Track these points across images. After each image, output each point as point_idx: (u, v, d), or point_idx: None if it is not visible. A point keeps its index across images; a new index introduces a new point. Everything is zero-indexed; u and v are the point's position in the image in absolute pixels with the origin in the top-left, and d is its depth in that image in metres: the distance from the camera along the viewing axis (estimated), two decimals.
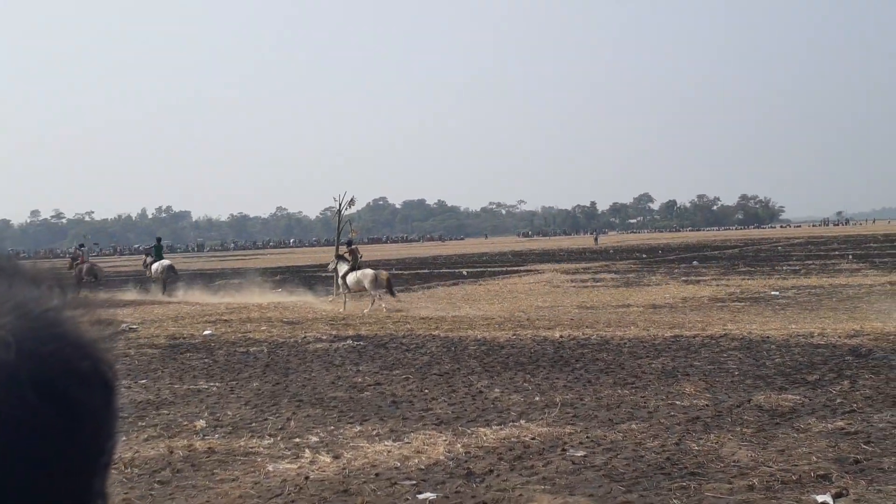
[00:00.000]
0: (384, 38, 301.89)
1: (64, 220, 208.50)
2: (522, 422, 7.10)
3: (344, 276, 19.63)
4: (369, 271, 19.14)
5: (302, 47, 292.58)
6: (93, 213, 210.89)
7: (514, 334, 12.80)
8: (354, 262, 19.81)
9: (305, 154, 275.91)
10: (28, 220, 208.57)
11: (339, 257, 20.59)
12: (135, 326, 15.40)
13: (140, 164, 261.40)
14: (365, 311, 17.80)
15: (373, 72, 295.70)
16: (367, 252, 74.29)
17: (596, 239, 79.26)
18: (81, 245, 31.39)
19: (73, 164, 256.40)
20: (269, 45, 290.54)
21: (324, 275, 33.37)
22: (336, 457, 6.07)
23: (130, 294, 25.29)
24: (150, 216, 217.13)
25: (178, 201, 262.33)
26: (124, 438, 6.84)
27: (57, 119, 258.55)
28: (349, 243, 20.71)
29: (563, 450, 6.21)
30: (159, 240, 29.43)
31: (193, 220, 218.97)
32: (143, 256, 28.41)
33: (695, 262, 34.16)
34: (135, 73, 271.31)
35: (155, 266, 26.72)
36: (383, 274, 19.24)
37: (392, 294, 19.04)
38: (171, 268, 26.43)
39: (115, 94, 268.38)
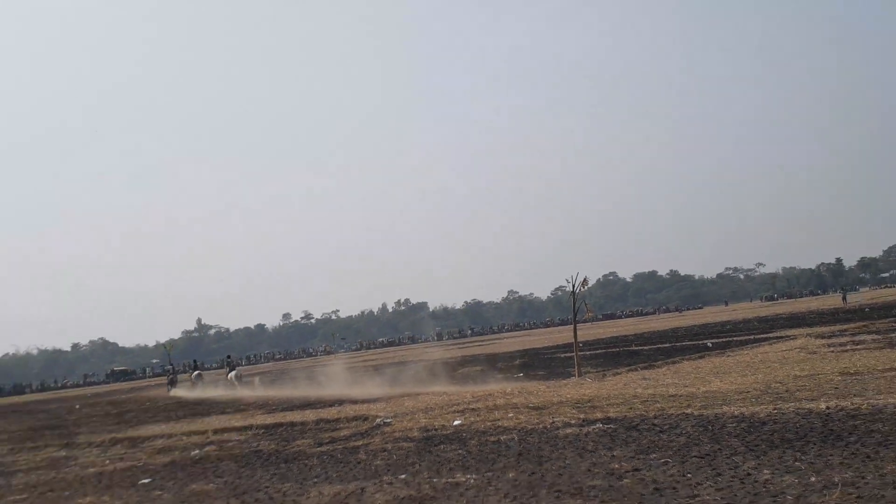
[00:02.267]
0: (597, 104, 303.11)
1: (313, 321, 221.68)
2: None
3: (227, 375, 40.08)
4: (234, 371, 40.09)
5: (519, 139, 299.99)
6: (338, 311, 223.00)
7: (774, 408, 12.07)
8: (231, 366, 42.26)
9: (532, 237, 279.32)
10: (280, 323, 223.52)
11: (227, 365, 43.84)
12: (389, 420, 15.96)
13: (377, 263, 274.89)
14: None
15: (589, 144, 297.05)
16: (603, 329, 73.68)
17: (844, 297, 73.70)
18: (170, 363, 55.86)
19: (321, 270, 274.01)
20: (490, 138, 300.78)
21: (562, 355, 33.28)
22: None
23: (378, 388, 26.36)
24: (390, 310, 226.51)
25: (415, 294, 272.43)
26: None
27: (300, 235, 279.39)
28: (228, 356, 44.98)
29: None
30: (228, 356, 51.31)
31: (430, 310, 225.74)
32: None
33: None
34: (363, 191, 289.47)
35: (230, 375, 41.28)
36: (241, 370, 41.73)
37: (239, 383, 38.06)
38: (238, 375, 40.71)
39: (354, 205, 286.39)
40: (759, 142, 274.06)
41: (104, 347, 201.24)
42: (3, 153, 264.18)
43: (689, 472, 8.34)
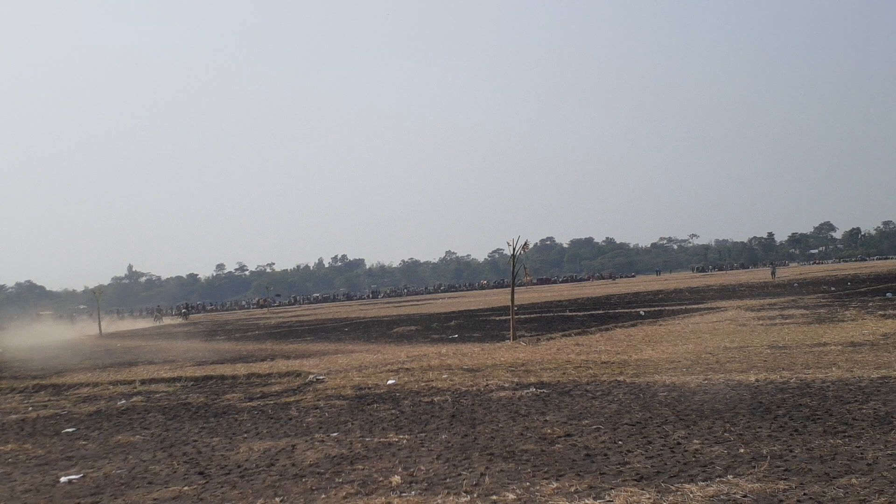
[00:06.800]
0: (543, 74, 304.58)
1: (247, 273, 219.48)
2: (730, 477, 6.67)
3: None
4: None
5: (463, 98, 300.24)
6: (273, 264, 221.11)
7: (704, 378, 12.24)
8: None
9: (471, 198, 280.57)
10: (214, 274, 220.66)
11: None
12: (322, 377, 15.82)
13: (317, 218, 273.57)
14: None
15: (533, 110, 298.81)
16: (538, 293, 74.34)
17: (773, 272, 75.09)
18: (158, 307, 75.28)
19: (255, 223, 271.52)
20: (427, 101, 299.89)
21: (497, 318, 33.45)
22: None
23: (318, 345, 26.16)
24: (326, 265, 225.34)
25: (352, 250, 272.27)
26: (323, 496, 6.91)
27: (242, 188, 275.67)
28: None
29: None
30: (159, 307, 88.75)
31: (367, 267, 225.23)
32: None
33: (889, 294, 31.87)
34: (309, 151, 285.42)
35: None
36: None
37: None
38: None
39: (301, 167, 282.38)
40: (705, 114, 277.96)
41: (31, 290, 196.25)
42: None
43: (621, 440, 8.39)
